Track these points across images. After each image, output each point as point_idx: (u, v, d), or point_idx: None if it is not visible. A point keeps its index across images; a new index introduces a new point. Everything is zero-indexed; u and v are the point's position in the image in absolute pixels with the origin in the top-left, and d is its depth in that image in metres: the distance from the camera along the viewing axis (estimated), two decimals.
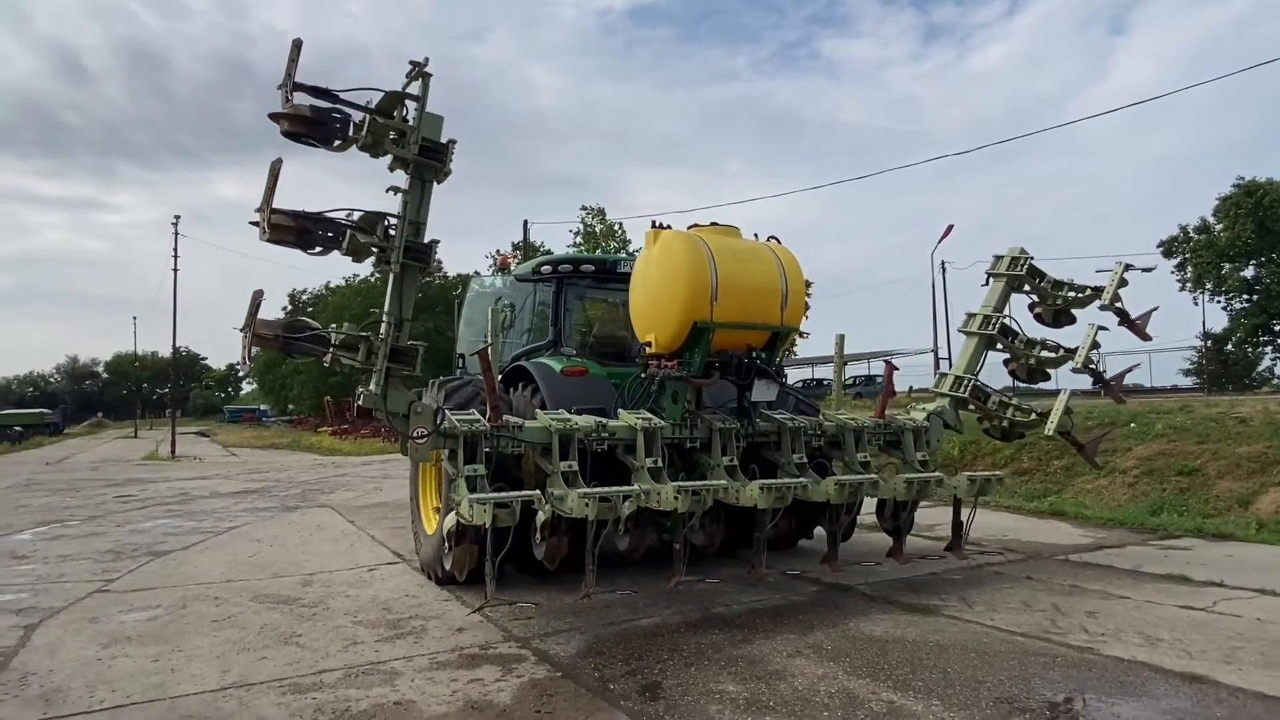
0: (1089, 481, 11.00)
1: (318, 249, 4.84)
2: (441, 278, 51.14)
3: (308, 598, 6.30)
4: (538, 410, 5.99)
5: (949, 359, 36.69)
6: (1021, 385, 8.11)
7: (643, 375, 6.40)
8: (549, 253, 36.03)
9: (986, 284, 7.49)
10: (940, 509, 8.79)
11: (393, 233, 4.92)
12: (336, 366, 5.02)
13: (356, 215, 4.90)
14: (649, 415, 5.98)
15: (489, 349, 5.66)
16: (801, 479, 5.89)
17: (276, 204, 4.62)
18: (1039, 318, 7.47)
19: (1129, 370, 7.68)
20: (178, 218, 34.25)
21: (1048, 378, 7.50)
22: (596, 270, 7.58)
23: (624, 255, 7.65)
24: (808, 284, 9.32)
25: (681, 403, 6.14)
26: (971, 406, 7.31)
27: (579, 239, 34.34)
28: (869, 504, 6.68)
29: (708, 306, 5.80)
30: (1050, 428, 6.91)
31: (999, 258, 7.45)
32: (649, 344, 6.14)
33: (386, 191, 5.02)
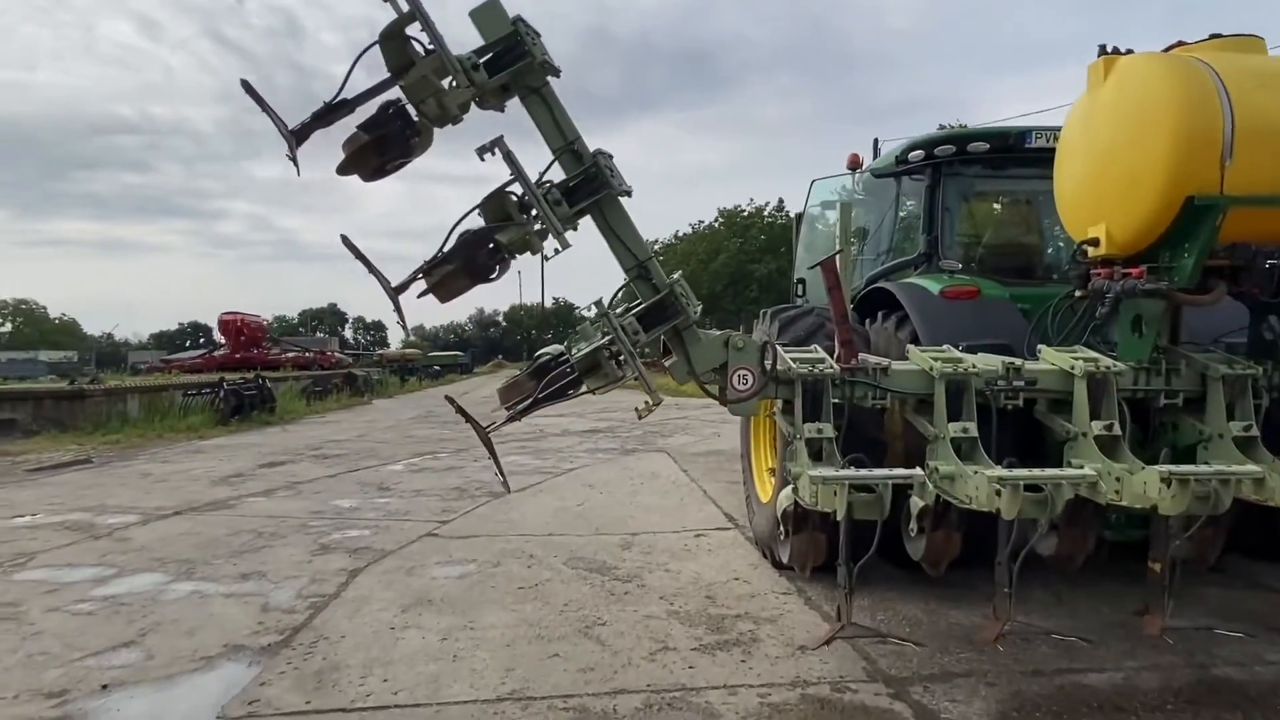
0: None
1: (494, 274, 3.49)
2: (784, 217, 49.72)
3: (624, 567, 5.33)
4: (909, 347, 4.15)
5: None
6: None
7: (1076, 293, 4.21)
8: None
9: None
10: None
11: (524, 197, 3.29)
12: (596, 394, 3.66)
13: (476, 215, 3.35)
14: (1093, 354, 3.83)
15: (838, 257, 3.96)
16: None
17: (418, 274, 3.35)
18: None
19: None
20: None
21: None
22: (992, 149, 5.34)
23: (1035, 126, 5.32)
24: None
25: (1150, 334, 3.84)
26: None
27: None
28: None
29: (1214, 168, 3.42)
30: None
31: None
32: (1093, 243, 3.93)
33: (482, 157, 3.21)
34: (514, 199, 3.29)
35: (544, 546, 5.92)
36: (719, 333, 3.77)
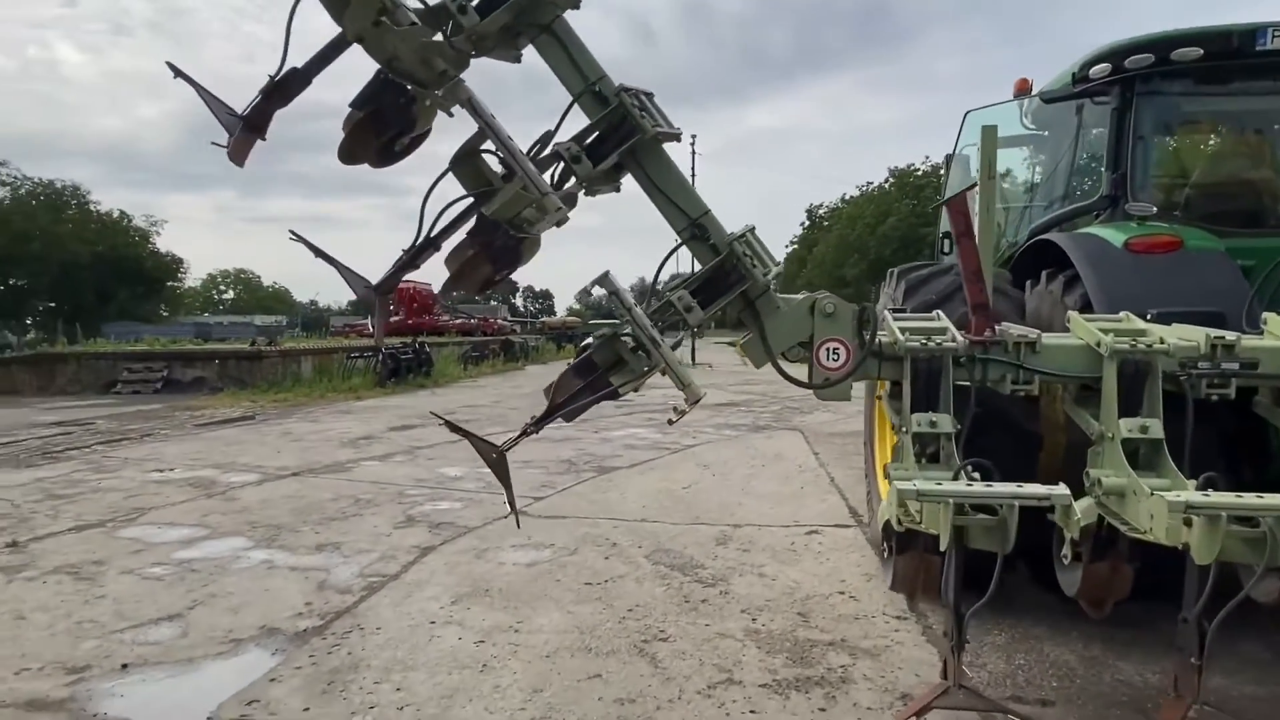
0: None
1: (523, 256, 2.73)
2: (931, 167, 45.50)
3: (712, 566, 4.64)
4: (1072, 314, 3.11)
5: None
6: None
7: None
8: None
9: None
10: None
11: (499, 155, 2.56)
12: (631, 391, 2.86)
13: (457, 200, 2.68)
14: None
15: (970, 194, 3.00)
16: None
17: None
18: None
19: None
20: (695, 136, 36.62)
21: None
22: (1206, 56, 4.01)
23: (1272, 22, 3.94)
24: None
25: None
26: None
27: None
28: None
29: None
30: None
31: None
32: None
33: (449, 112, 2.60)
34: (494, 160, 2.61)
35: (631, 534, 5.34)
36: (803, 297, 2.95)
